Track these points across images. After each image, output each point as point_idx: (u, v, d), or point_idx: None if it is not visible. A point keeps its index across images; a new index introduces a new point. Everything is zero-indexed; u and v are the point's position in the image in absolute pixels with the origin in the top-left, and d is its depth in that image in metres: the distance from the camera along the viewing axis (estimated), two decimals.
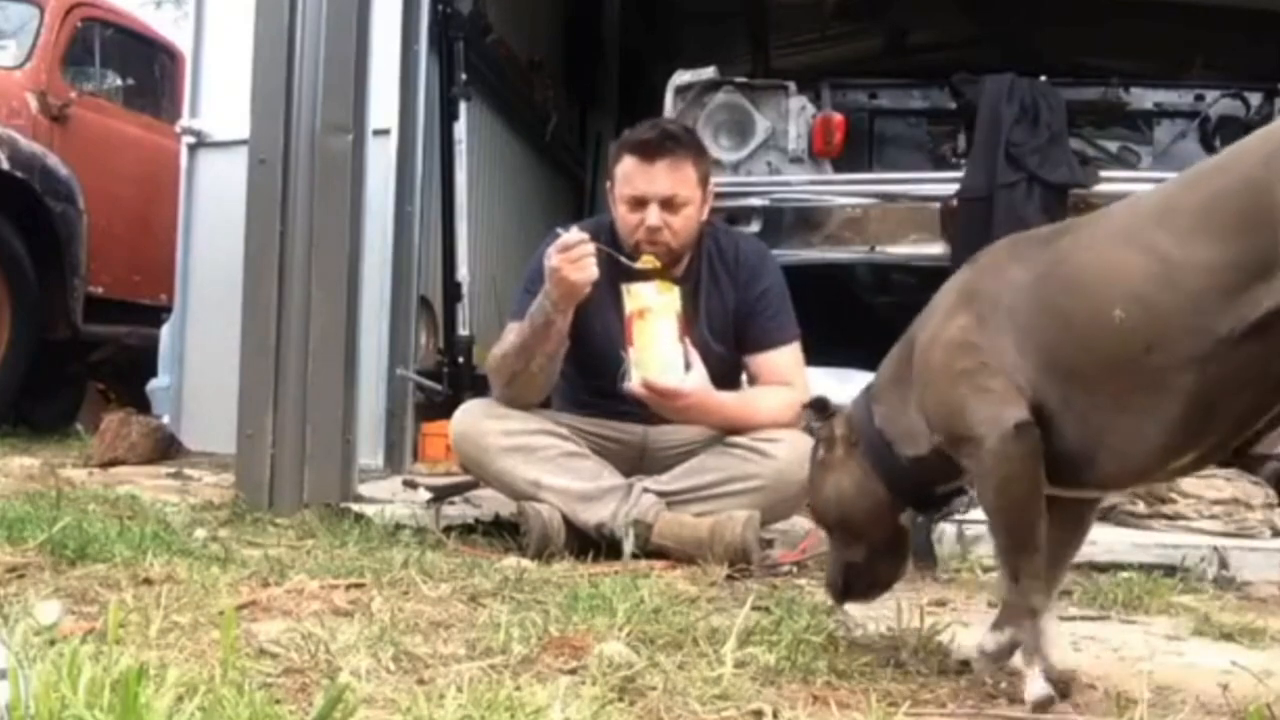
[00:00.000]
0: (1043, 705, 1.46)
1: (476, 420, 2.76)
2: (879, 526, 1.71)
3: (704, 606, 2.00)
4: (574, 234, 2.59)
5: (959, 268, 1.70)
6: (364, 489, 3.26)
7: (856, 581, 1.76)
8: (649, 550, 2.56)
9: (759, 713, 1.40)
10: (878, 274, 4.73)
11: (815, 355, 2.87)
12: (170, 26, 9.57)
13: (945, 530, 2.56)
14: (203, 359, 4.64)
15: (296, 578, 2.06)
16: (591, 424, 2.79)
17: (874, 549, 1.73)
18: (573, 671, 1.54)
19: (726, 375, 2.77)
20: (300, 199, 3.12)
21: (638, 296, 2.58)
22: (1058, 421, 1.51)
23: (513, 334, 2.72)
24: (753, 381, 2.84)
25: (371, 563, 2.27)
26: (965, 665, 1.65)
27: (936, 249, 4.14)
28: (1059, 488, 1.60)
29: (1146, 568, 2.59)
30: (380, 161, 3.86)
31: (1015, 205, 4.00)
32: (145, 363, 5.21)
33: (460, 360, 4.46)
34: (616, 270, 2.65)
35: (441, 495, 3.07)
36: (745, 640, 1.69)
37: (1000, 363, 1.53)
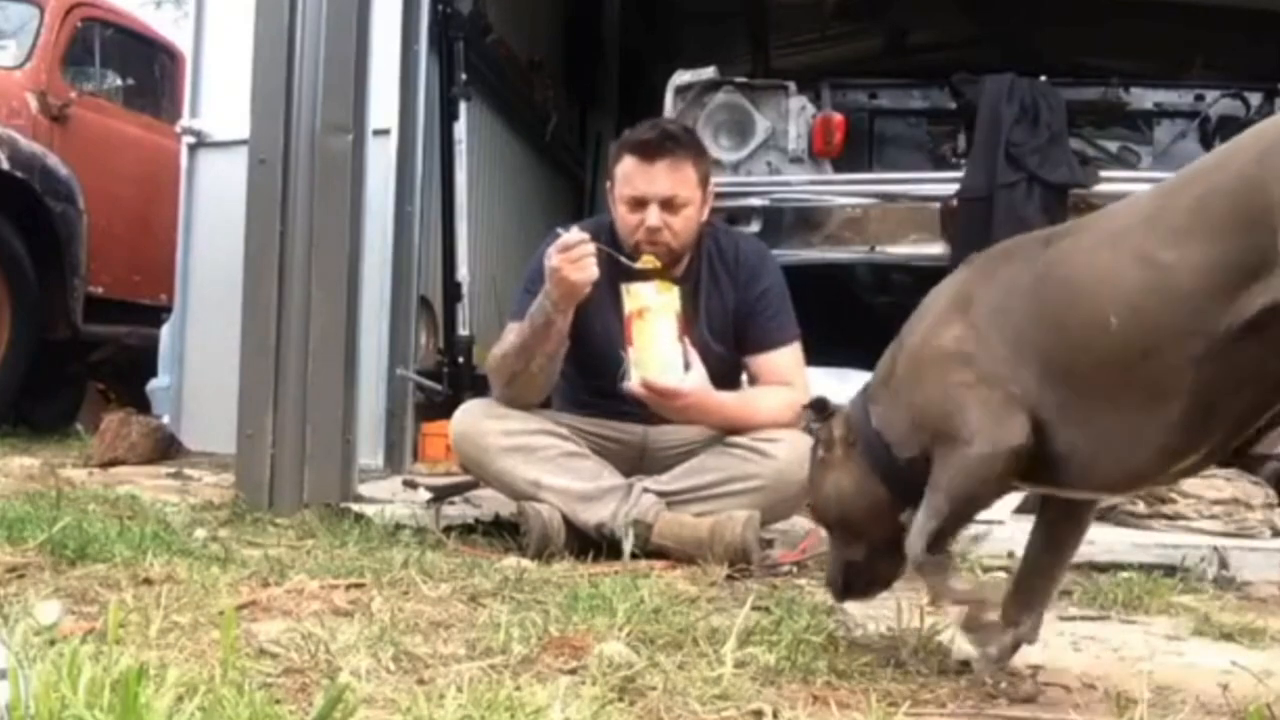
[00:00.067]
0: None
1: (476, 420, 2.76)
2: (878, 525, 1.71)
3: (704, 606, 2.00)
4: (574, 234, 2.59)
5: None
6: (364, 489, 3.26)
7: (856, 580, 1.77)
8: (649, 550, 2.56)
9: (759, 713, 1.40)
10: (878, 274, 4.74)
11: (815, 355, 2.87)
12: (170, 26, 9.58)
13: None
14: (203, 359, 4.64)
15: (296, 578, 2.06)
16: (591, 424, 2.79)
17: (874, 548, 1.73)
18: (573, 671, 1.54)
19: (726, 375, 2.77)
20: (300, 199, 3.12)
21: (637, 296, 2.58)
22: (1056, 427, 1.50)
23: (513, 334, 2.72)
24: (753, 382, 2.84)
25: (371, 563, 2.27)
26: (965, 665, 1.65)
27: (936, 249, 4.15)
28: (1060, 490, 1.60)
29: (1146, 568, 2.59)
30: (380, 161, 3.87)
31: (1015, 205, 4.00)
32: (145, 363, 5.22)
33: (460, 360, 4.46)
34: (616, 270, 2.65)
35: (441, 495, 3.07)
36: (745, 640, 1.69)
37: (998, 374, 1.52)
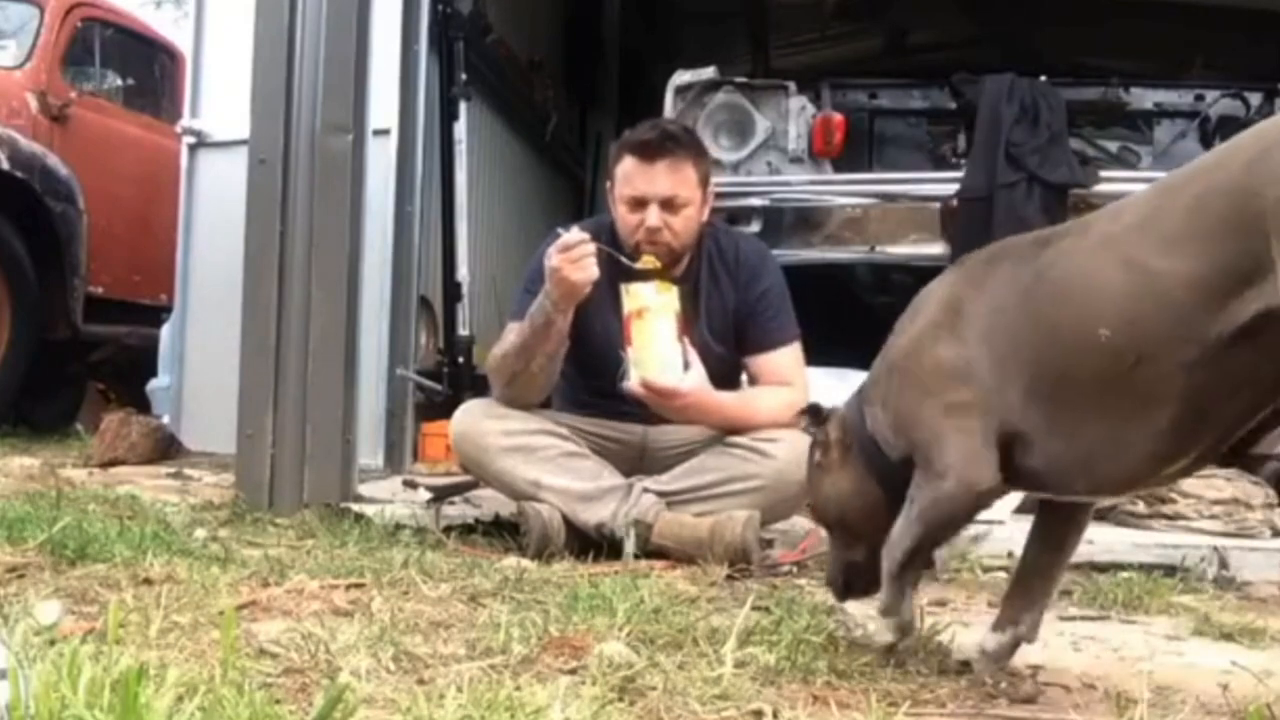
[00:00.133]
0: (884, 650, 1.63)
1: (476, 420, 2.76)
2: (877, 526, 1.72)
3: (704, 606, 2.00)
4: (574, 234, 2.59)
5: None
6: (364, 489, 3.26)
7: (857, 579, 1.77)
8: (649, 550, 2.56)
9: (759, 713, 1.40)
10: (878, 274, 4.74)
11: (815, 355, 2.87)
12: (170, 26, 9.58)
13: None
14: (203, 359, 4.64)
15: (296, 578, 2.06)
16: (591, 424, 2.79)
17: (874, 548, 1.74)
18: (573, 671, 1.54)
19: (726, 375, 2.77)
20: (300, 199, 3.12)
21: (636, 296, 2.58)
22: (1042, 437, 1.51)
23: (513, 334, 2.72)
24: (753, 382, 2.84)
25: (371, 563, 2.27)
26: (965, 665, 1.65)
27: (936, 249, 4.15)
28: (1048, 494, 1.61)
29: (1146, 568, 2.59)
30: (380, 161, 3.87)
31: (1015, 205, 4.00)
32: (145, 363, 5.22)
33: (460, 360, 4.46)
34: (616, 270, 2.65)
35: (441, 495, 3.07)
36: (745, 640, 1.69)
37: (981, 401, 1.53)
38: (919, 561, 1.66)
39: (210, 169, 4.74)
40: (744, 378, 2.87)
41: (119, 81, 6.46)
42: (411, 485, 3.40)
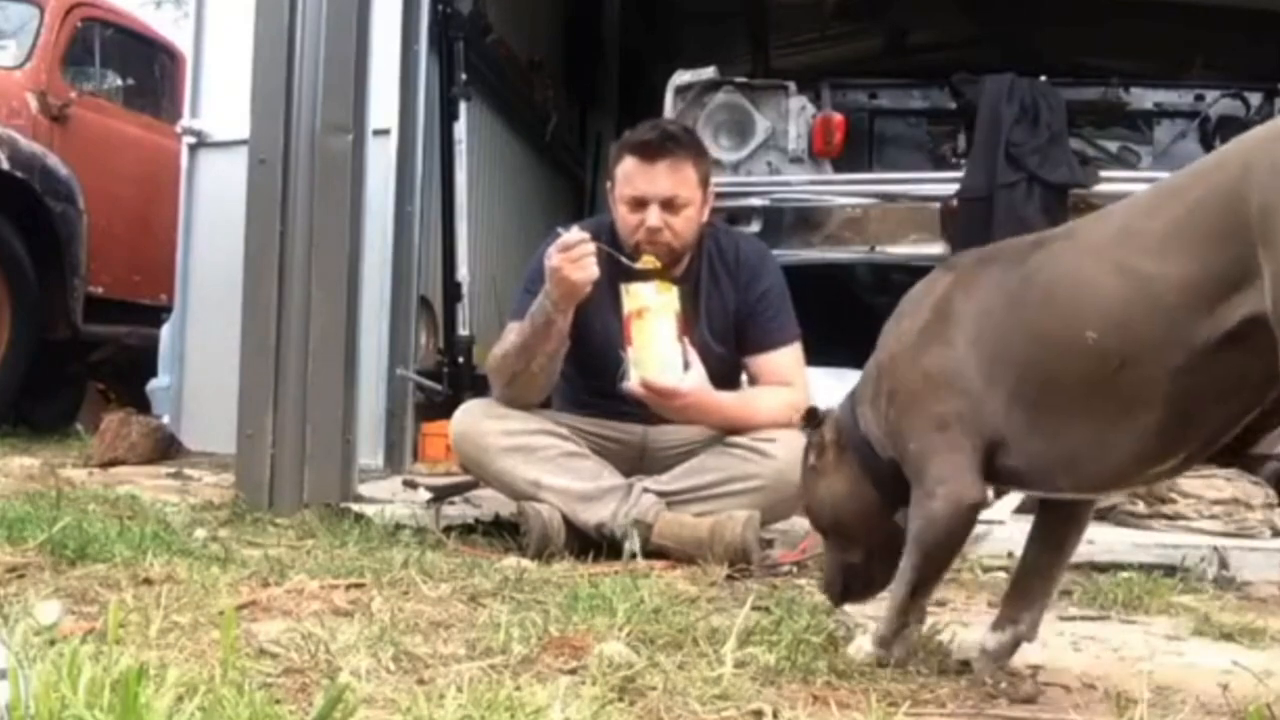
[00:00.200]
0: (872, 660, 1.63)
1: (476, 420, 2.76)
2: (873, 528, 1.72)
3: (704, 606, 2.00)
4: (575, 233, 2.59)
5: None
6: (364, 489, 3.26)
7: (854, 582, 1.77)
8: (649, 550, 2.56)
9: (759, 713, 1.40)
10: (878, 274, 4.73)
11: (815, 355, 2.87)
12: (170, 26, 9.58)
13: None
14: (203, 359, 4.64)
15: (296, 578, 2.06)
16: (591, 424, 2.79)
17: (870, 550, 1.74)
18: (573, 671, 1.54)
19: (727, 376, 2.77)
20: (300, 199, 3.12)
21: (636, 296, 2.58)
22: (1026, 438, 1.52)
23: (513, 334, 2.72)
24: (753, 382, 2.84)
25: (371, 563, 2.27)
26: (965, 665, 1.65)
27: (936, 249, 4.14)
28: (1031, 491, 1.61)
29: (1146, 568, 2.59)
30: (380, 161, 3.87)
31: (1015, 205, 4.00)
32: (145, 363, 5.22)
33: (460, 360, 4.46)
34: (617, 270, 2.65)
35: (441, 495, 3.07)
36: (745, 640, 1.69)
37: (969, 411, 1.54)
38: (926, 591, 1.66)
39: (210, 169, 4.74)
40: (744, 378, 2.87)
41: (119, 81, 6.46)
42: (411, 485, 3.40)
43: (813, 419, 1.79)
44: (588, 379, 2.82)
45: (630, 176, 2.70)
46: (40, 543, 2.17)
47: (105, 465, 4.17)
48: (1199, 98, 4.72)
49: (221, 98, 4.62)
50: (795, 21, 5.76)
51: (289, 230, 3.11)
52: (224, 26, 4.63)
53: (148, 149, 6.11)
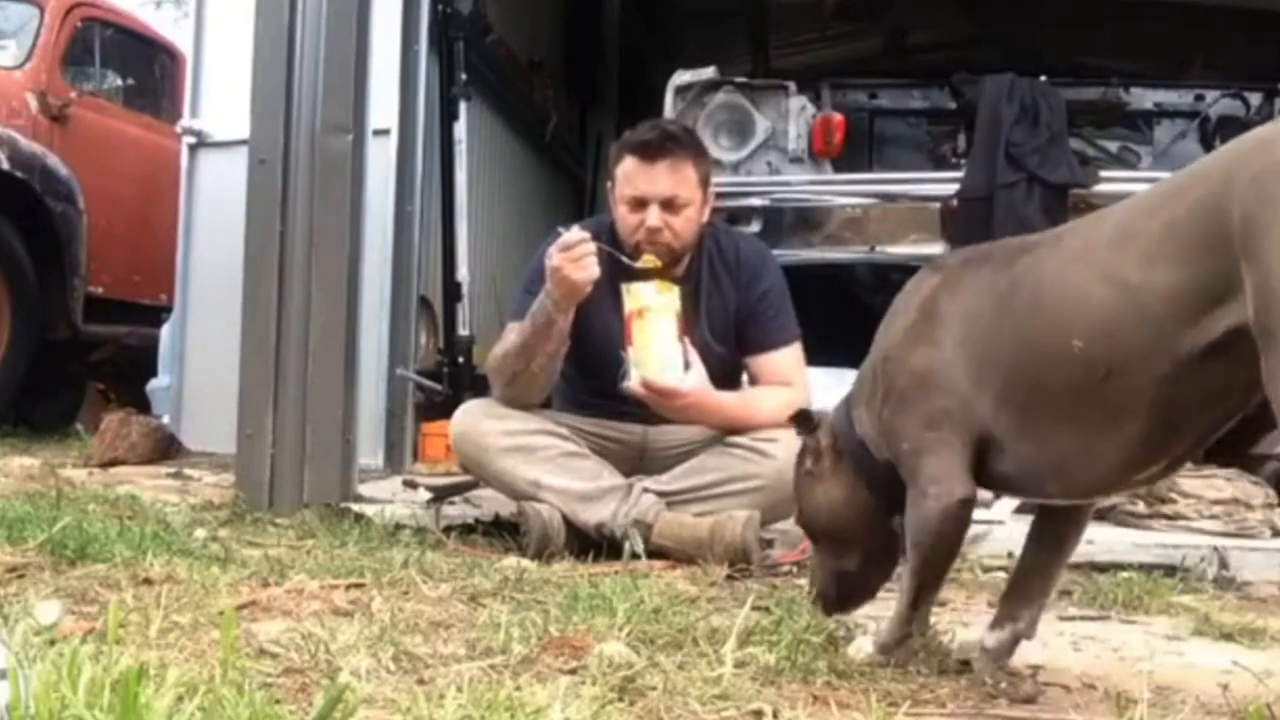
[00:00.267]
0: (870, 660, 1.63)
1: (476, 420, 2.76)
2: (870, 533, 1.72)
3: (704, 606, 2.00)
4: (575, 233, 2.59)
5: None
6: (364, 489, 3.26)
7: (849, 589, 1.77)
8: (649, 550, 2.56)
9: (759, 713, 1.40)
10: (878, 274, 4.73)
11: (815, 355, 2.87)
12: (170, 26, 9.58)
13: None
14: (203, 359, 4.64)
15: (296, 578, 2.06)
16: (591, 424, 2.79)
17: (867, 556, 1.74)
18: (573, 671, 1.54)
19: (727, 376, 2.77)
20: (300, 199, 3.12)
21: (637, 296, 2.58)
22: (1015, 443, 1.53)
23: (513, 334, 2.72)
24: (753, 382, 2.84)
25: (371, 563, 2.27)
26: (965, 665, 1.65)
27: (936, 249, 4.14)
28: (1021, 496, 1.62)
29: (1146, 568, 2.59)
30: (380, 161, 3.87)
31: (1015, 205, 4.00)
32: (145, 363, 5.22)
33: (460, 360, 4.46)
34: (617, 270, 2.65)
35: (441, 495, 3.07)
36: (745, 640, 1.69)
37: (959, 410, 1.55)
38: (929, 597, 1.67)
39: (210, 169, 4.74)
40: (744, 378, 2.87)
41: (119, 81, 6.46)
42: (411, 485, 3.40)
43: (805, 423, 1.78)
44: (588, 379, 2.82)
45: (630, 176, 2.70)
46: (40, 543, 2.17)
47: (105, 465, 4.17)
48: (1199, 98, 4.72)
49: (221, 98, 4.62)
50: (795, 21, 5.76)
51: (289, 230, 3.11)
52: (224, 26, 4.63)
53: (148, 149, 6.11)
